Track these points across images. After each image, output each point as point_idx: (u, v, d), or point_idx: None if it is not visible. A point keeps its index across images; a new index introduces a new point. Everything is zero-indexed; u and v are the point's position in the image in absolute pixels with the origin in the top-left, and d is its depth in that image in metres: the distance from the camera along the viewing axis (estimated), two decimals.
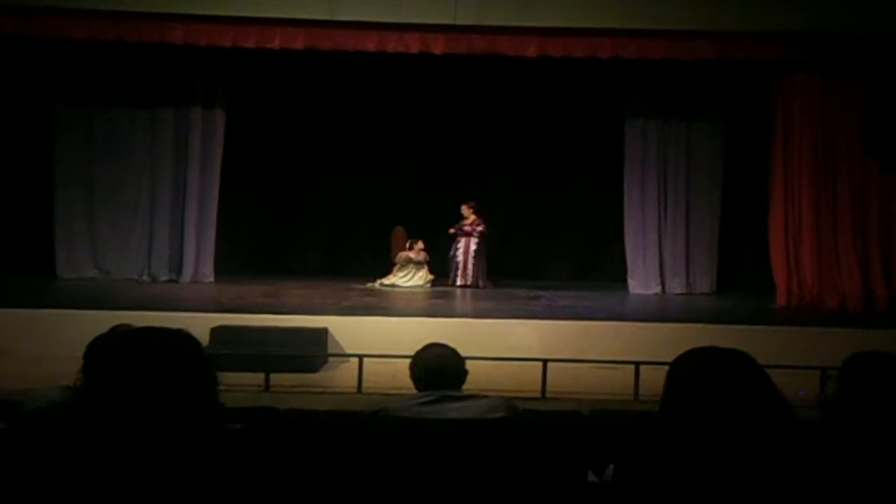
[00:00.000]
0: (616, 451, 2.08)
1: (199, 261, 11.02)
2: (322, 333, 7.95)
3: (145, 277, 11.01)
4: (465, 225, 11.25)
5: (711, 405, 1.86)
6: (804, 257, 10.03)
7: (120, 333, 1.92)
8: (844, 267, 9.96)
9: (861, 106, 9.80)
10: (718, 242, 11.23)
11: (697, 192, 11.15)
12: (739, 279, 11.18)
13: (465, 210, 11.28)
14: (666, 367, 2.01)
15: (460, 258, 11.18)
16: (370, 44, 9.37)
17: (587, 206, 12.20)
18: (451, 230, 11.23)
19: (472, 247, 11.17)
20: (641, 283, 11.03)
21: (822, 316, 9.31)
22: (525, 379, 6.76)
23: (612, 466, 2.38)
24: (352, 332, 8.00)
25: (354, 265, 11.94)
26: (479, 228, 11.18)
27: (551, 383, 6.73)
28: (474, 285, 11.07)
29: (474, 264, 11.19)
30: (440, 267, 11.37)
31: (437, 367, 3.20)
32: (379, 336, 7.73)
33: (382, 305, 9.47)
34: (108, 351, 1.78)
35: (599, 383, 6.89)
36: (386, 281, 11.19)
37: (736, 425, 1.84)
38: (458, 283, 11.12)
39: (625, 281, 11.13)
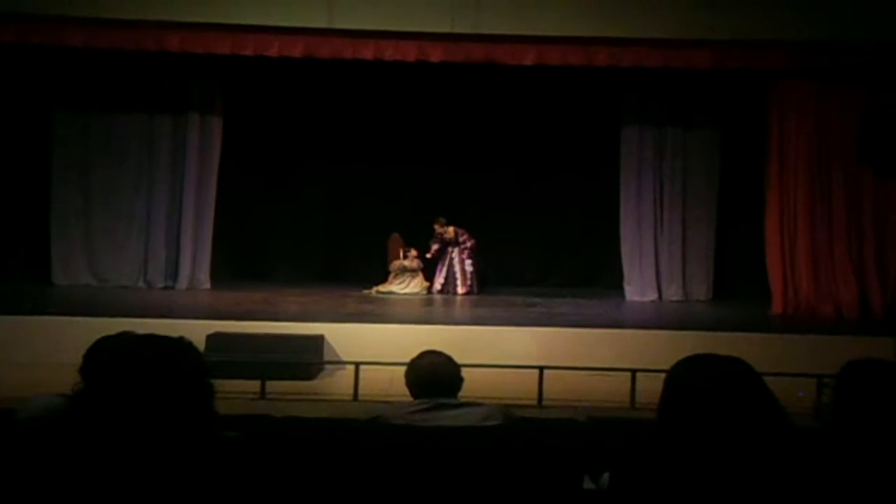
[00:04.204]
0: (612, 458, 2.07)
1: (196, 268, 11.01)
2: (318, 340, 7.94)
3: (141, 284, 10.99)
4: (446, 237, 11.33)
5: (708, 412, 1.86)
6: (800, 264, 10.05)
7: (120, 339, 1.92)
8: (840, 274, 9.98)
9: (856, 113, 9.83)
10: (714, 250, 11.25)
11: (693, 199, 11.16)
12: (736, 286, 11.19)
13: (438, 227, 11.35)
14: (662, 375, 2.01)
15: (457, 267, 11.31)
16: (368, 52, 9.39)
17: (584, 213, 12.21)
18: (431, 252, 11.30)
19: (465, 256, 11.29)
20: (638, 291, 11.04)
21: (818, 323, 9.32)
22: (521, 386, 6.75)
23: (607, 474, 2.38)
24: (348, 339, 8.00)
25: (351, 272, 11.94)
26: (471, 243, 11.28)
27: (548, 391, 6.73)
28: (473, 292, 11.19)
29: (472, 272, 11.33)
30: (433, 275, 11.45)
31: (433, 375, 3.20)
32: (375, 343, 7.73)
33: (379, 312, 9.46)
34: (107, 355, 1.78)
35: (596, 391, 6.88)
36: (382, 288, 11.20)
37: (733, 433, 1.84)
38: (460, 291, 11.23)
39: (621, 288, 11.14)
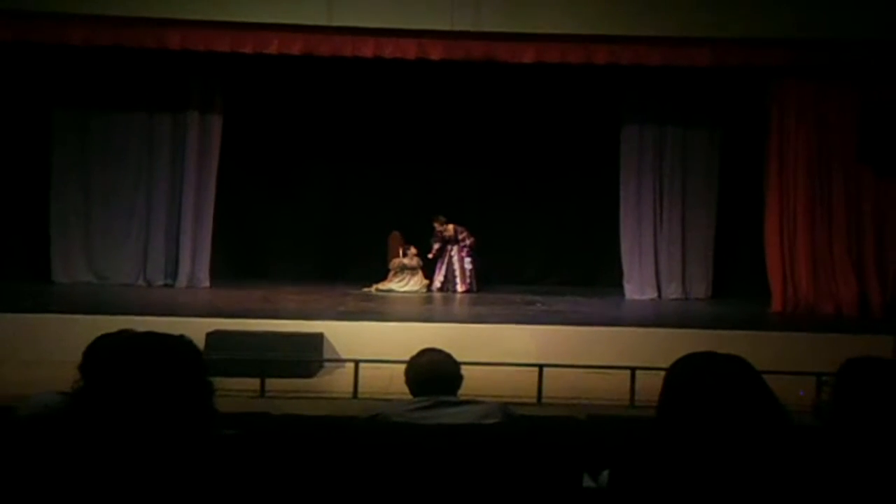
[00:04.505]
0: (612, 456, 2.08)
1: (195, 265, 11.01)
2: (318, 338, 7.94)
3: (141, 282, 10.99)
4: (445, 234, 11.34)
5: (708, 410, 1.87)
6: (799, 263, 10.05)
7: (120, 337, 1.92)
8: (839, 272, 9.98)
9: (856, 112, 9.83)
10: (714, 248, 11.25)
11: (693, 197, 11.16)
12: (735, 285, 11.20)
13: (437, 226, 11.36)
14: (662, 373, 2.01)
15: (456, 265, 11.32)
16: (367, 49, 9.39)
17: (583, 212, 12.21)
18: (433, 251, 11.33)
19: (465, 255, 11.30)
20: (637, 289, 11.04)
21: (818, 321, 9.32)
22: (521, 384, 6.75)
23: (606, 472, 2.38)
24: (348, 337, 8.00)
25: (350, 270, 11.94)
26: (470, 241, 11.29)
27: (547, 389, 6.73)
28: (472, 290, 11.20)
29: (472, 270, 11.35)
30: (433, 273, 11.46)
31: (432, 373, 3.20)
32: (375, 341, 7.73)
33: (378, 310, 9.46)
34: (107, 353, 1.78)
35: (595, 389, 6.89)
36: (382, 286, 11.20)
37: (732, 431, 1.84)
38: (460, 289, 11.24)
39: (621, 286, 11.14)
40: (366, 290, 11.05)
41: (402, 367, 3.32)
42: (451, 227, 11.42)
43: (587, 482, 2.73)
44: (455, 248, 11.39)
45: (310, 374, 7.43)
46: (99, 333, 2.60)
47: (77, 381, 1.78)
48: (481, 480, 2.71)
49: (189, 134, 10.96)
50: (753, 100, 10.39)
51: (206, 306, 9.38)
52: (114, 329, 2.61)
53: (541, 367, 6.80)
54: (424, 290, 11.34)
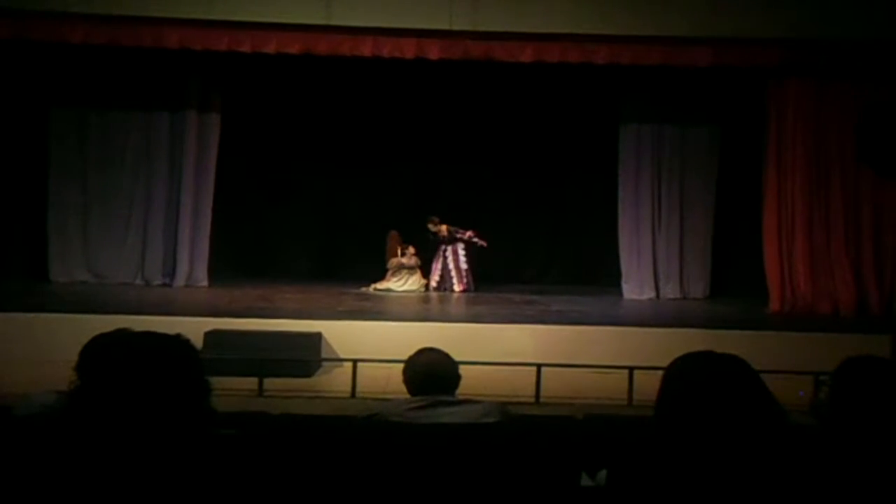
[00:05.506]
0: (609, 455, 2.08)
1: (193, 265, 11.00)
2: (316, 338, 7.94)
3: (139, 281, 10.99)
4: (439, 235, 11.34)
5: (706, 410, 1.86)
6: (797, 262, 10.06)
7: (117, 336, 1.91)
8: (837, 272, 10.00)
9: (855, 111, 9.84)
10: (712, 247, 11.26)
11: (691, 197, 11.17)
12: (733, 284, 11.21)
13: (431, 226, 11.35)
14: (660, 372, 2.01)
15: (451, 265, 11.31)
16: (366, 49, 9.38)
17: (581, 211, 12.22)
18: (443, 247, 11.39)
19: (461, 254, 11.29)
20: (635, 288, 11.05)
21: (816, 321, 9.33)
22: (519, 384, 6.76)
23: (604, 471, 2.38)
24: (346, 336, 8.00)
25: (349, 270, 11.93)
26: (469, 234, 11.28)
27: (545, 388, 6.73)
28: (470, 290, 11.19)
29: (468, 269, 11.34)
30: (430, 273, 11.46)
31: (430, 372, 3.20)
32: (373, 341, 7.73)
33: (376, 310, 9.46)
34: (103, 353, 1.78)
35: (593, 388, 6.89)
36: (380, 286, 11.21)
37: (730, 430, 1.84)
38: (457, 288, 11.24)
39: (619, 286, 11.14)
40: (364, 289, 11.05)
41: (400, 366, 3.32)
42: (444, 227, 11.43)
43: (585, 481, 2.73)
44: (450, 248, 11.36)
45: (308, 374, 7.43)
46: (96, 333, 2.59)
47: (73, 380, 1.78)
48: (479, 480, 2.71)
49: (187, 133, 10.95)
50: (752, 100, 10.39)
51: (204, 306, 9.38)
52: (111, 328, 2.60)
53: (539, 366, 6.80)
54: (422, 289, 11.36)
